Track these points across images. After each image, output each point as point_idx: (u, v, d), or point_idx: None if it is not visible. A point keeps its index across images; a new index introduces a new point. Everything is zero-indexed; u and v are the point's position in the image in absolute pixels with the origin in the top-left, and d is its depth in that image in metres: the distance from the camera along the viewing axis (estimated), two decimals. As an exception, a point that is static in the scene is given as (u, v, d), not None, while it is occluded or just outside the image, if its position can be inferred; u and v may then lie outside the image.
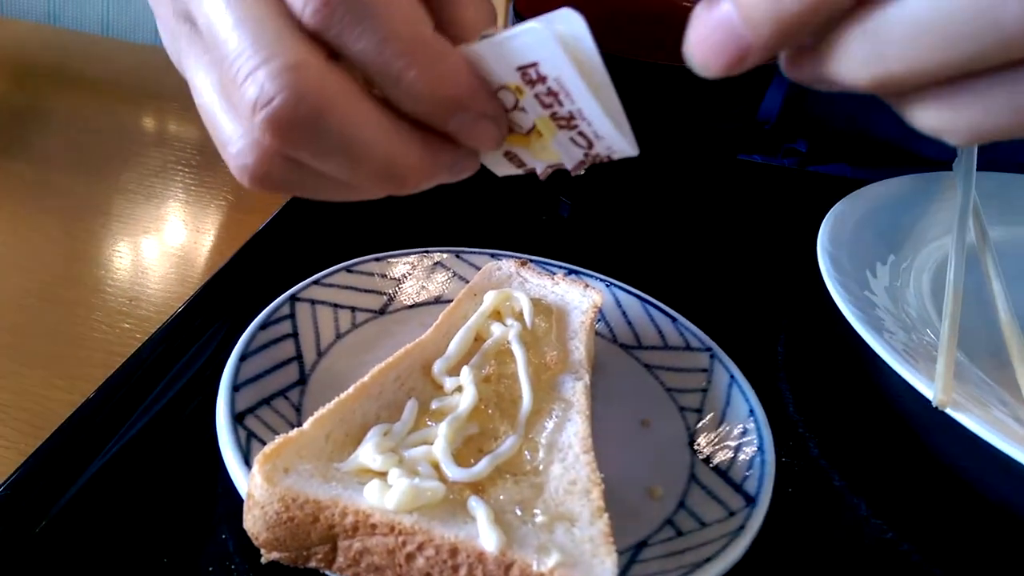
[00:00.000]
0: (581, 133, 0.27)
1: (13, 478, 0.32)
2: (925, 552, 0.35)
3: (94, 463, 0.34)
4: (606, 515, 0.28)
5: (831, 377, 0.46)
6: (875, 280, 0.48)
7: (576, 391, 0.35)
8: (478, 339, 0.38)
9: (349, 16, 0.24)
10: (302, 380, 0.37)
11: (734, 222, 0.61)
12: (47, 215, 0.54)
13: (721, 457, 0.36)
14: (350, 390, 0.32)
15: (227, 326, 0.42)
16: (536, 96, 0.26)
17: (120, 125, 0.69)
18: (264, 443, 0.29)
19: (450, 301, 0.40)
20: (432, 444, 0.30)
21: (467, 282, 0.43)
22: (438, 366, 0.35)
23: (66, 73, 0.78)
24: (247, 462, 0.31)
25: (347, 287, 0.43)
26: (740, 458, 0.35)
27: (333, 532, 0.27)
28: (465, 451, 0.31)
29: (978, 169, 0.58)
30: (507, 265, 0.44)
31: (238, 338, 0.37)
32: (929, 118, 0.22)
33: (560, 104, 0.26)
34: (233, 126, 0.26)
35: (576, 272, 0.46)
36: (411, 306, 0.44)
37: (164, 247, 0.52)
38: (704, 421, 0.38)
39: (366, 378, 0.33)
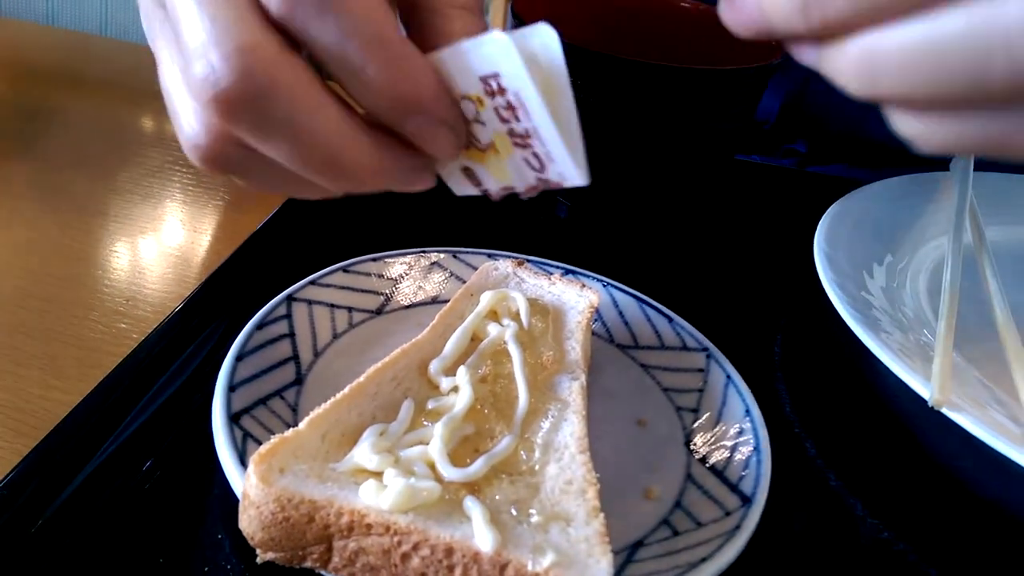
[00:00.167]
0: (535, 154, 0.27)
1: (9, 478, 0.32)
2: (921, 552, 0.35)
3: (90, 463, 0.34)
4: (602, 515, 0.28)
5: (828, 377, 0.46)
6: (872, 280, 0.48)
7: (572, 391, 0.35)
8: (475, 339, 0.38)
9: (315, 8, 0.24)
10: (298, 380, 0.37)
11: (731, 222, 0.61)
12: (44, 214, 0.54)
13: (717, 457, 0.36)
14: (346, 390, 0.32)
15: (224, 326, 0.42)
16: (495, 109, 0.26)
17: (118, 125, 0.69)
18: (260, 443, 0.29)
19: (447, 301, 0.41)
20: (428, 444, 0.30)
21: (464, 282, 0.43)
22: (434, 366, 0.35)
23: (64, 73, 0.78)
24: (243, 462, 0.31)
25: (344, 287, 0.43)
26: (736, 458, 0.35)
27: (328, 532, 0.27)
28: (461, 451, 0.31)
29: (975, 169, 0.58)
30: (504, 265, 0.44)
31: (235, 338, 0.37)
32: (906, 125, 0.23)
33: (517, 120, 0.26)
34: (187, 106, 0.26)
35: (573, 272, 0.46)
36: (408, 306, 0.44)
37: (161, 247, 0.52)
38: (700, 421, 0.38)
39: (362, 378, 0.33)
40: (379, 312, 0.43)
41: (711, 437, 0.37)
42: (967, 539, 0.37)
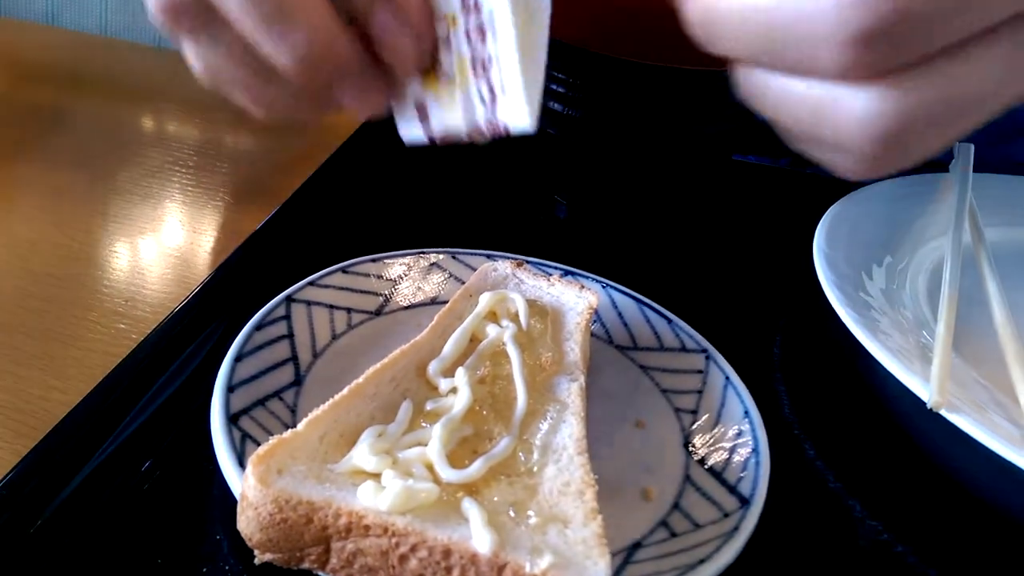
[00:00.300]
0: (490, 86, 0.27)
1: (8, 478, 0.32)
2: (921, 554, 0.35)
3: (89, 463, 0.34)
4: (599, 516, 0.28)
5: (827, 379, 0.46)
6: (871, 282, 0.48)
7: (571, 392, 0.35)
8: (473, 340, 0.38)
9: None
10: (297, 381, 0.37)
11: (730, 223, 0.61)
12: (43, 214, 0.54)
13: (716, 458, 0.36)
14: (344, 391, 0.32)
15: (223, 327, 0.42)
16: (466, 32, 0.26)
17: (117, 125, 0.69)
18: (259, 444, 0.29)
19: (446, 302, 0.41)
20: (426, 445, 0.30)
21: (463, 283, 0.43)
22: (433, 367, 0.35)
23: (64, 73, 0.78)
24: (242, 463, 0.31)
25: (343, 288, 0.43)
26: (735, 459, 0.35)
27: (326, 533, 0.27)
28: (459, 452, 0.31)
29: (974, 170, 0.58)
30: (503, 266, 0.44)
31: (234, 339, 0.37)
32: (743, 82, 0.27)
33: (483, 43, 0.26)
34: None
35: (572, 273, 0.46)
36: (407, 307, 0.44)
37: (160, 248, 0.52)
38: (699, 422, 0.38)
39: (360, 379, 0.33)
40: (378, 313, 0.43)
41: (710, 438, 0.37)
42: (966, 541, 0.37)
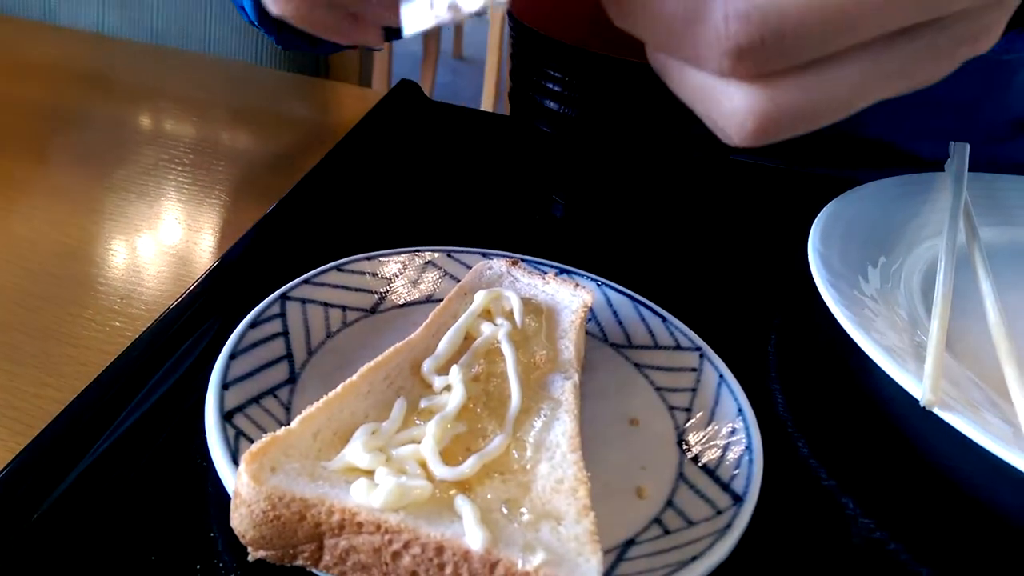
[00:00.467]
0: None
1: (1, 476, 0.32)
2: (913, 551, 0.35)
3: (83, 461, 0.34)
4: (592, 514, 0.28)
5: (821, 377, 0.46)
6: (865, 280, 0.48)
7: (565, 390, 0.35)
8: (468, 338, 0.38)
9: None
10: (292, 379, 0.38)
11: (726, 222, 0.61)
12: (39, 212, 0.54)
13: (709, 456, 0.36)
14: (338, 389, 0.32)
15: (217, 324, 0.42)
16: None
17: (113, 123, 0.69)
18: (253, 442, 0.29)
19: (441, 300, 0.41)
20: (420, 443, 0.30)
21: (458, 281, 0.43)
22: (427, 365, 0.35)
23: (60, 71, 0.78)
24: (236, 460, 0.31)
25: (338, 286, 0.43)
26: (728, 457, 0.35)
27: (319, 530, 0.27)
28: (453, 450, 0.31)
29: (970, 170, 0.58)
30: (498, 264, 0.44)
31: (228, 336, 0.37)
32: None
33: None
34: None
35: (567, 271, 0.46)
36: (402, 305, 0.44)
37: (156, 245, 0.52)
38: (693, 420, 0.38)
39: (355, 377, 0.33)
40: (373, 311, 0.43)
41: (703, 436, 0.37)
42: (959, 539, 0.37)
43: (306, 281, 0.42)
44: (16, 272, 0.48)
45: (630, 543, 0.32)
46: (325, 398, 0.32)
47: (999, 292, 0.46)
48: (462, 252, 0.47)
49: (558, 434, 0.32)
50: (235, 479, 0.28)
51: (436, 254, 0.47)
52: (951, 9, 0.27)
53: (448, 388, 0.34)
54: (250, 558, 0.28)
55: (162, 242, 0.53)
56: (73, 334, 0.43)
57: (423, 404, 0.33)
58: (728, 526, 0.31)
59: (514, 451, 0.31)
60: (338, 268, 0.44)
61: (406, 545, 0.26)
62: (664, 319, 0.43)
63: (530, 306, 0.40)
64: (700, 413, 0.38)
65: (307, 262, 0.44)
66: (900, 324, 0.45)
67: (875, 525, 0.36)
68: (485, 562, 0.26)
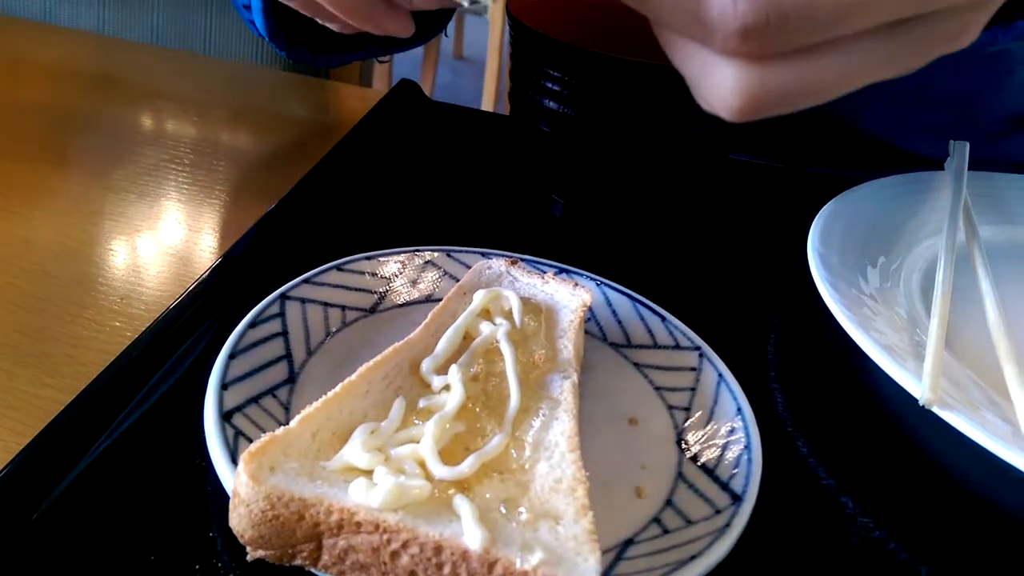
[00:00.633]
0: None
1: (1, 476, 0.33)
2: (912, 550, 0.35)
3: (83, 460, 0.34)
4: (591, 513, 0.28)
5: (820, 376, 0.46)
6: (865, 280, 0.48)
7: (564, 389, 0.35)
8: (467, 338, 0.38)
9: None
10: (291, 379, 0.38)
11: (725, 221, 0.61)
12: (39, 212, 0.54)
13: (708, 455, 0.36)
14: (337, 388, 0.32)
15: (217, 324, 0.42)
16: None
17: (113, 123, 0.69)
18: (252, 441, 0.29)
19: (440, 300, 0.41)
20: (419, 442, 0.30)
21: (457, 281, 0.43)
22: (426, 364, 0.35)
23: (61, 71, 0.78)
24: (235, 460, 0.31)
25: (337, 286, 0.43)
26: (727, 456, 0.35)
27: (318, 530, 0.27)
28: (452, 449, 0.31)
29: (970, 168, 0.58)
30: (497, 264, 0.44)
31: (228, 336, 0.37)
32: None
33: None
34: None
35: (566, 271, 0.46)
36: (401, 305, 0.44)
37: (156, 246, 0.52)
38: (692, 419, 0.38)
39: (354, 377, 0.33)
40: (372, 311, 0.43)
41: (703, 435, 0.37)
42: (958, 537, 0.37)
43: (306, 281, 0.42)
44: (15, 272, 0.48)
45: (629, 542, 0.32)
46: (324, 398, 0.32)
47: (999, 291, 0.46)
48: (461, 252, 0.47)
49: (557, 433, 0.32)
50: (234, 479, 0.28)
51: (435, 254, 0.47)
52: (944, 4, 0.28)
53: (447, 388, 0.34)
54: (249, 558, 0.28)
55: (162, 242, 0.53)
56: (73, 334, 0.43)
57: (422, 404, 0.33)
58: (727, 525, 0.31)
59: (513, 450, 0.31)
60: (338, 268, 0.44)
61: (404, 545, 0.26)
62: (663, 318, 0.43)
63: (529, 306, 0.40)
64: (699, 412, 0.38)
65: (307, 262, 0.44)
66: (899, 323, 0.45)
67: (874, 524, 0.36)
68: (483, 561, 0.26)
